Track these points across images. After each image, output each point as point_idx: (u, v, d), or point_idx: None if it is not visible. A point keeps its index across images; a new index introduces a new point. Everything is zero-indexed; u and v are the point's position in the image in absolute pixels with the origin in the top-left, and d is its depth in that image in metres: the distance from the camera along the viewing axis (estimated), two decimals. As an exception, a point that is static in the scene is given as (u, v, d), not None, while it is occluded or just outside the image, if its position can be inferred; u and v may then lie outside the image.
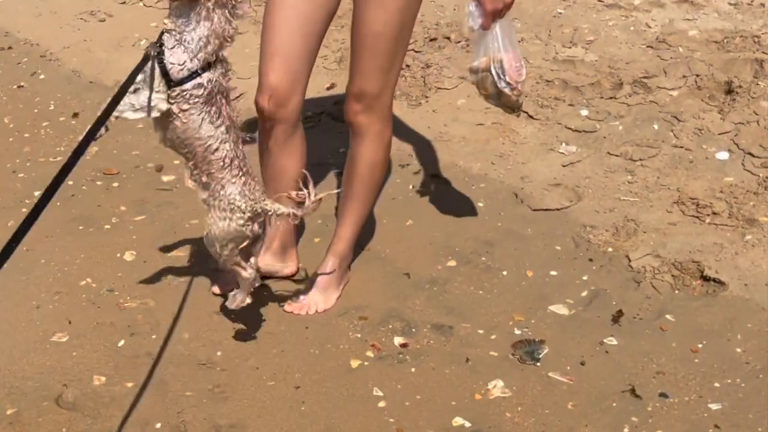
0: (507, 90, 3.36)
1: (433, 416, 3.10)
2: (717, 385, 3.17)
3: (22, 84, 5.54)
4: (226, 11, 2.58)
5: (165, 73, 2.63)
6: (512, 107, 3.50)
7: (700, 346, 3.36)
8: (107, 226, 4.14)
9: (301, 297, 3.62)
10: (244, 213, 2.91)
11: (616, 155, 4.60)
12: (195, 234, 4.00)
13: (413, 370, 3.30)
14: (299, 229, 3.83)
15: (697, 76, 5.02)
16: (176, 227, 4.11)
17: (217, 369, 3.30)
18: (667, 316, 3.51)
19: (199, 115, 2.74)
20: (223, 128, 2.83)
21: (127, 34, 6.07)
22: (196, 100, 2.70)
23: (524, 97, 3.59)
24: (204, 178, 2.96)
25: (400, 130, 4.73)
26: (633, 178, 4.41)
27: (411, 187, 4.44)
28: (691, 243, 3.89)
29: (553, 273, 3.82)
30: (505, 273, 3.82)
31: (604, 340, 3.42)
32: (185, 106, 2.70)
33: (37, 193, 4.17)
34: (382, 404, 3.15)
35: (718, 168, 4.40)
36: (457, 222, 4.17)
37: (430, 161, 4.62)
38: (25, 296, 3.66)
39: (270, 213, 2.98)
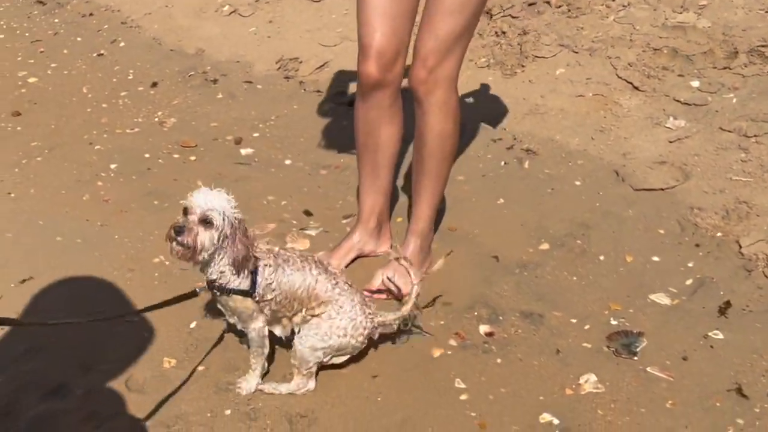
0: None
1: (519, 411, 2.85)
2: (839, 388, 2.84)
3: (102, 52, 5.47)
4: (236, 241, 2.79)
5: (230, 291, 2.85)
6: None
7: (819, 343, 3.02)
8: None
9: (380, 279, 3.40)
10: (365, 329, 2.94)
11: (729, 131, 4.23)
12: (271, 210, 3.84)
13: (499, 361, 3.06)
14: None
15: (821, 44, 4.59)
16: (253, 202, 3.94)
17: (290, 354, 3.10)
18: (782, 309, 3.18)
19: (287, 277, 2.88)
20: (318, 269, 2.91)
21: (210, 0, 5.93)
22: (271, 279, 2.87)
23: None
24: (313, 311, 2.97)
25: (493, 101, 4.47)
26: (746, 156, 4.04)
27: (503, 163, 4.17)
28: (811, 228, 3.53)
29: (655, 259, 3.51)
30: (602, 258, 3.53)
31: (709, 334, 3.11)
32: (272, 289, 2.88)
33: (114, 166, 4.08)
34: (464, 397, 2.91)
35: (843, 145, 4.01)
36: (552, 202, 3.89)
37: (525, 136, 4.35)
38: (98, 273, 3.53)
39: (385, 324, 3.02)
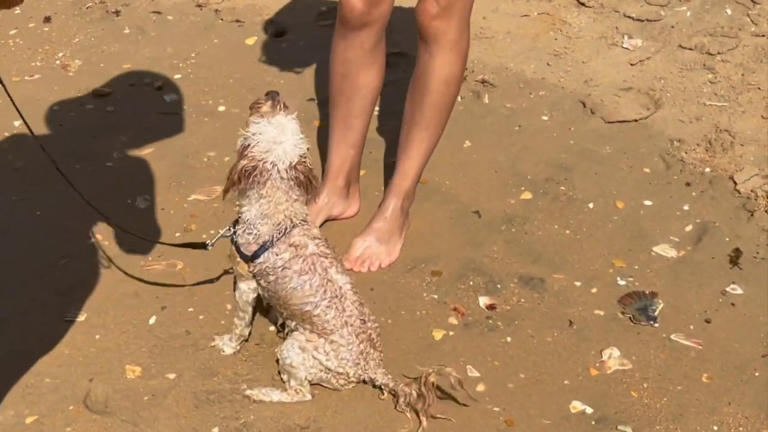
0: None
1: (545, 401, 2.58)
2: None
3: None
4: (291, 193, 2.45)
5: (239, 251, 2.53)
6: None
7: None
8: (109, 164, 3.46)
9: (360, 249, 3.02)
10: (349, 378, 2.53)
11: (690, 48, 3.98)
12: (215, 169, 3.37)
13: (509, 339, 2.76)
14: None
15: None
16: (191, 160, 3.46)
17: (276, 351, 2.71)
18: (796, 253, 2.99)
19: (286, 283, 2.48)
20: (322, 292, 2.47)
21: None
22: (274, 271, 2.49)
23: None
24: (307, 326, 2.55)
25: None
26: (715, 78, 3.81)
27: (460, 98, 3.77)
28: (804, 158, 3.34)
29: (648, 203, 3.26)
30: (591, 205, 3.25)
31: (727, 289, 2.90)
32: (269, 278, 2.50)
33: (18, 123, 3.49)
34: (481, 388, 2.61)
35: (813, 61, 3.82)
36: (522, 142, 3.56)
37: (476, 65, 3.97)
38: (23, 263, 3.01)
39: (378, 384, 2.55)
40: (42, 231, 3.13)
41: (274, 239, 2.45)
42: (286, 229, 2.46)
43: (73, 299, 2.90)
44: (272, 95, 2.43)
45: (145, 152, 3.50)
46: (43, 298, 2.89)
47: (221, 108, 3.74)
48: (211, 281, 2.89)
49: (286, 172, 2.40)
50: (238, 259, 2.54)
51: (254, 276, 2.54)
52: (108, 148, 3.52)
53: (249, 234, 2.49)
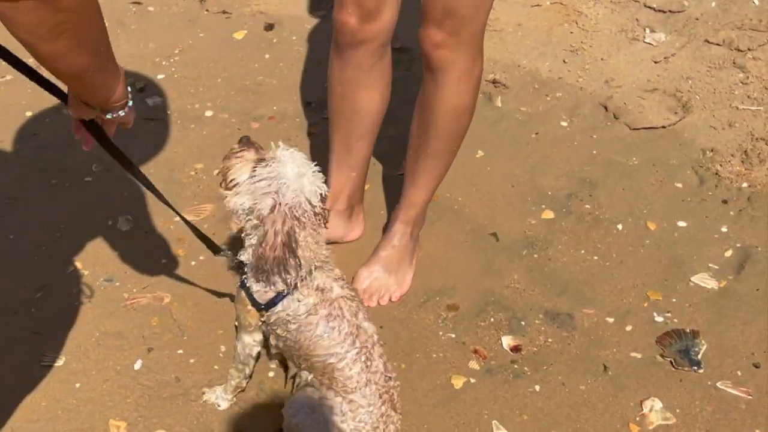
0: None
1: (582, 464, 2.29)
2: None
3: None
4: (319, 233, 2.09)
5: (251, 298, 2.16)
6: None
7: None
8: (88, 179, 3.13)
9: (367, 281, 2.72)
10: None
11: (717, 44, 3.67)
12: (203, 184, 3.06)
13: (537, 388, 2.48)
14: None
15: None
16: (177, 174, 3.14)
17: (277, 400, 2.42)
18: None
19: (311, 331, 2.13)
20: (351, 342, 2.12)
21: None
22: (297, 318, 2.13)
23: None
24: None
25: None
26: (746, 77, 3.50)
27: (470, 101, 3.45)
28: None
29: (682, 224, 2.97)
30: (620, 227, 2.96)
31: (775, 327, 2.62)
32: (290, 327, 2.15)
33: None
34: (508, 448, 2.33)
35: None
36: (541, 151, 3.26)
37: (486, 62, 3.58)
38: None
39: None
40: (14, 259, 2.81)
41: (297, 285, 2.11)
42: (309, 272, 2.13)
43: (50, 339, 2.59)
44: (245, 140, 2.10)
45: (127, 164, 3.15)
46: (16, 338, 2.58)
47: (208, 113, 3.41)
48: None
49: (312, 215, 2.06)
50: (249, 307, 2.21)
51: (266, 326, 2.22)
52: (87, 160, 3.18)
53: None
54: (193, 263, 2.80)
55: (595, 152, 3.23)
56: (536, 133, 3.31)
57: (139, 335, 2.61)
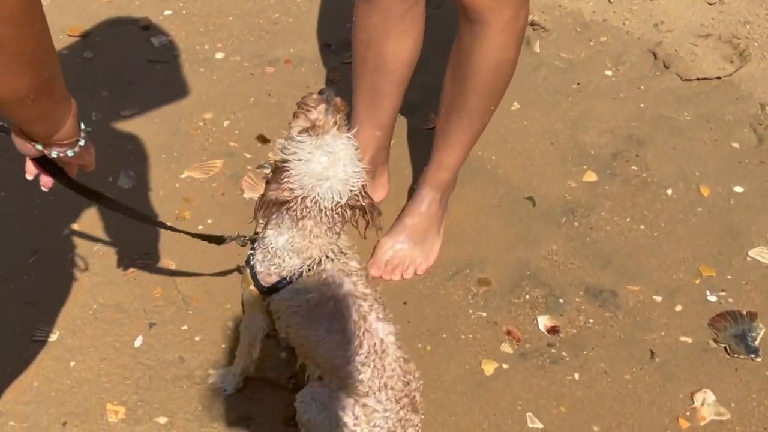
0: None
1: (625, 465, 2.06)
2: None
3: None
4: (334, 228, 1.84)
5: (255, 278, 1.94)
6: None
7: None
8: (87, 129, 2.85)
9: (390, 252, 2.47)
10: None
11: (778, -16, 3.33)
12: (212, 136, 2.80)
13: (577, 376, 2.24)
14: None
15: None
16: (183, 124, 2.89)
17: (290, 387, 2.20)
18: None
19: (313, 329, 1.89)
20: (357, 345, 1.85)
21: None
22: (298, 313, 1.89)
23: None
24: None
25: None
26: (811, 23, 3.17)
27: (505, 45, 3.14)
28: None
29: (738, 189, 2.70)
30: (669, 192, 2.69)
31: (843, 311, 2.35)
32: (292, 321, 1.91)
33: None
34: (544, 446, 2.10)
35: None
36: (582, 104, 2.97)
37: None
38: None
39: None
40: (4, 218, 2.58)
41: (302, 274, 1.88)
42: (319, 264, 1.88)
43: (43, 311, 2.38)
44: (327, 96, 1.81)
45: (130, 113, 2.91)
46: (6, 309, 2.36)
47: (219, 55, 3.13)
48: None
49: (332, 210, 1.81)
50: (252, 287, 1.98)
51: (269, 312, 1.98)
52: (86, 107, 2.93)
53: (270, 263, 1.92)
54: (200, 227, 2.56)
55: (642, 106, 2.94)
56: (578, 83, 3.02)
57: (140, 308, 2.38)
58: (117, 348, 2.30)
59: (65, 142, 1.40)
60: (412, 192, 2.61)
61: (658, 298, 2.41)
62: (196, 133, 2.85)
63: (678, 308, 2.38)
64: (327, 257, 1.85)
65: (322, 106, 1.77)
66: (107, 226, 2.55)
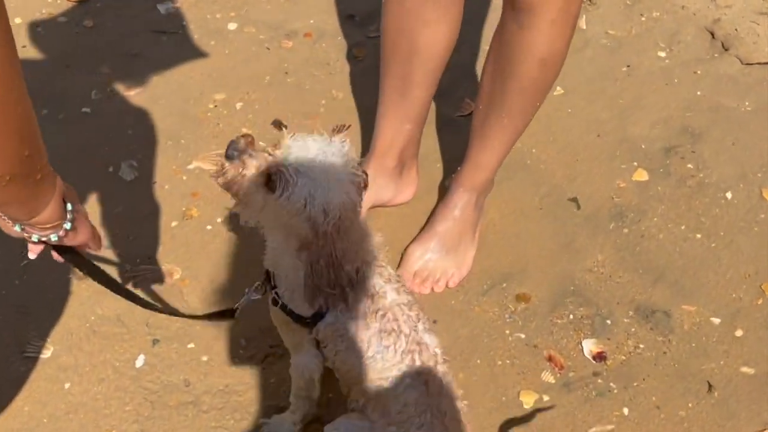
0: None
1: None
2: None
3: None
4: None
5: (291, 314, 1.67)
6: None
7: None
8: (86, 109, 2.63)
9: (420, 262, 2.23)
10: None
11: None
12: (223, 119, 2.55)
13: (626, 412, 2.01)
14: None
15: None
16: (191, 106, 2.64)
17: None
18: None
19: (362, 351, 1.63)
20: (409, 361, 1.63)
21: None
22: (345, 335, 1.64)
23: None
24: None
25: None
26: None
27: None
28: None
29: (806, 194, 2.42)
30: (729, 195, 2.43)
31: None
32: (339, 347, 1.66)
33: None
34: (590, 494, 1.88)
35: None
36: (633, 91, 2.69)
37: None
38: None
39: None
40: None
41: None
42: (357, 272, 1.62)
43: (36, 321, 2.16)
44: (229, 152, 1.56)
45: (133, 93, 2.65)
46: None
47: (232, 25, 2.87)
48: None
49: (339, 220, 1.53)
50: (293, 324, 1.71)
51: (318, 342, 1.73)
52: (85, 84, 2.68)
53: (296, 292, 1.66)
54: (209, 227, 2.33)
55: (699, 93, 2.66)
56: (627, 66, 2.74)
57: (142, 321, 2.16)
58: (116, 368, 2.08)
59: (47, 226, 1.16)
60: (443, 188, 2.36)
61: (716, 320, 2.16)
62: (206, 116, 2.60)
63: (738, 333, 2.14)
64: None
65: (227, 164, 1.51)
66: (107, 227, 2.31)
